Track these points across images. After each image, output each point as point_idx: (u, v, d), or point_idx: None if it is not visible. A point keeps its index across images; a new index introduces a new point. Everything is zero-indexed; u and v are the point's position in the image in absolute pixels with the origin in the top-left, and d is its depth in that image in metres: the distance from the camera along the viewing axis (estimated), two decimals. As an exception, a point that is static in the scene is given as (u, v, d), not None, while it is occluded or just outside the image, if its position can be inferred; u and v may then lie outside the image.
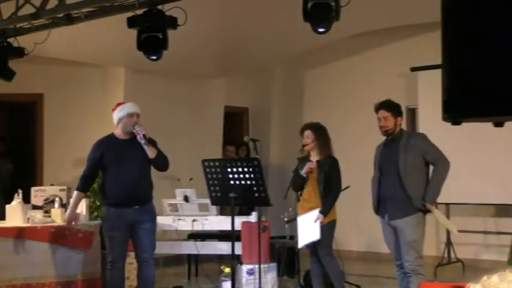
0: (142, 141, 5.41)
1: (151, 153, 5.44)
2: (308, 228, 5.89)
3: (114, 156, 5.47)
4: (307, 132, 6.02)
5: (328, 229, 5.90)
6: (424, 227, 5.30)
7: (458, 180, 8.04)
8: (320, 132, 6.04)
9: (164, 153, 5.58)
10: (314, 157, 6.04)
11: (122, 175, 5.42)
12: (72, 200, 5.64)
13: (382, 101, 5.48)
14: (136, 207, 5.44)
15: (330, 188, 5.91)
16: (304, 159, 6.11)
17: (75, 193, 5.60)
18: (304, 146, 6.02)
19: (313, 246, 5.97)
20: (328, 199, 5.89)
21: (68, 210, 5.66)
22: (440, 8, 2.38)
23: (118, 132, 5.59)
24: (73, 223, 5.72)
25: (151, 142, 5.51)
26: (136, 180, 5.42)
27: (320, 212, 5.84)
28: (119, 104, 5.69)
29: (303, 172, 5.95)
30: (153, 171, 5.73)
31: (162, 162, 5.54)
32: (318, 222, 5.80)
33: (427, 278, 5.71)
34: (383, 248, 5.72)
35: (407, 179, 5.22)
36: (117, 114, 5.56)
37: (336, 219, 5.99)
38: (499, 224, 8.35)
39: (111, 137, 5.61)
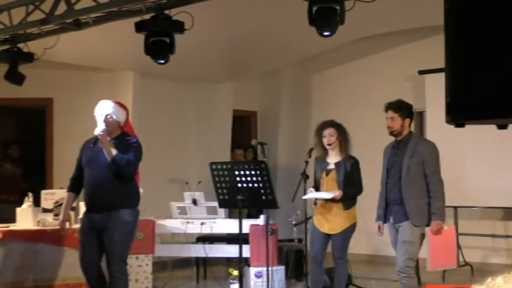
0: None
1: (107, 155, 5.09)
2: (320, 193, 5.83)
3: (86, 158, 5.26)
4: (331, 130, 5.84)
5: (349, 232, 5.81)
6: (417, 233, 5.24)
7: (467, 183, 8.05)
8: (343, 129, 5.90)
9: (126, 157, 5.11)
10: (333, 157, 5.89)
11: (91, 179, 5.18)
12: (64, 202, 5.48)
13: (393, 100, 5.42)
14: (105, 213, 5.11)
15: (351, 187, 5.81)
16: (320, 159, 5.95)
17: (66, 194, 5.47)
18: (329, 145, 5.84)
19: (321, 253, 5.88)
20: (350, 189, 5.78)
21: (61, 212, 5.46)
22: (443, 11, 2.40)
23: None
24: (67, 224, 5.48)
25: (124, 143, 5.20)
26: (102, 184, 5.11)
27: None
28: None
29: (330, 197, 5.75)
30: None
31: (116, 166, 5.05)
32: (333, 194, 5.71)
33: (436, 281, 5.72)
34: (391, 251, 5.72)
35: (406, 185, 5.20)
36: None
37: (356, 224, 5.86)
38: (508, 228, 8.32)
39: (94, 139, 5.34)
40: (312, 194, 5.89)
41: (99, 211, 5.14)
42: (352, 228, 5.83)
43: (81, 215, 6.31)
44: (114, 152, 5.06)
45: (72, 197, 5.44)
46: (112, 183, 5.11)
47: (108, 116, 5.20)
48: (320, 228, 5.88)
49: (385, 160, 5.46)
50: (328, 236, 5.83)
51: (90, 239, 5.18)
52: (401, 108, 5.34)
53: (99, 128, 5.10)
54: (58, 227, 6.14)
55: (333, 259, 5.90)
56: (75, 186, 5.40)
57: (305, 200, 6.65)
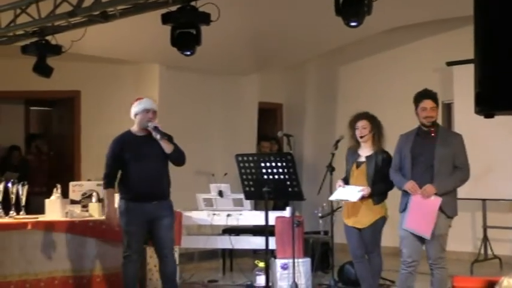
0: (158, 137, 5.42)
1: (167, 148, 5.45)
2: (348, 192, 5.67)
3: (133, 152, 5.47)
4: (364, 123, 5.71)
5: (378, 226, 5.69)
6: (447, 223, 5.25)
7: (495, 176, 7.95)
8: (377, 122, 5.77)
9: (180, 148, 5.59)
10: (365, 149, 5.74)
11: (141, 171, 5.42)
12: (106, 199, 5.64)
13: (426, 90, 5.36)
14: (155, 202, 5.45)
15: (381, 181, 5.65)
16: (352, 150, 5.81)
17: (106, 191, 5.62)
18: (361, 137, 5.70)
19: (358, 249, 5.76)
20: (380, 184, 5.62)
21: (107, 209, 5.62)
22: (473, 1, 2.37)
23: (134, 128, 5.60)
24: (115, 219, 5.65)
25: (167, 137, 5.52)
26: (155, 175, 5.45)
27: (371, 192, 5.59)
28: (138, 99, 5.67)
29: (357, 199, 5.59)
30: (179, 168, 5.74)
31: (178, 157, 5.53)
32: (360, 194, 5.56)
33: (464, 274, 5.68)
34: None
35: (439, 173, 5.15)
36: (133, 109, 5.58)
37: (386, 217, 5.73)
38: (537, 220, 8.23)
39: (128, 133, 5.62)
40: (339, 194, 5.74)
41: (152, 201, 5.46)
42: (381, 221, 5.70)
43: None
44: (170, 145, 5.48)
45: (113, 192, 5.67)
46: (163, 174, 5.55)
47: (153, 111, 5.57)
48: (347, 223, 5.78)
49: (406, 148, 5.33)
50: (360, 230, 5.72)
51: (141, 229, 5.49)
52: (437, 98, 5.33)
53: (155, 123, 5.50)
54: (86, 218, 6.26)
55: (366, 253, 5.81)
56: (112, 183, 5.64)
57: (330, 192, 6.62)
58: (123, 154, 5.49)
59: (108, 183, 5.59)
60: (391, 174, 5.46)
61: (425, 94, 5.31)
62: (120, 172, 5.57)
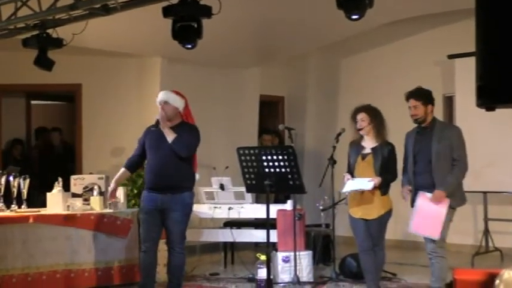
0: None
1: (168, 137, 5.51)
2: (358, 183, 5.65)
3: (151, 142, 5.63)
4: (362, 115, 5.70)
5: (385, 219, 5.65)
6: (450, 215, 5.35)
7: (496, 169, 7.96)
8: (376, 114, 5.75)
9: (188, 139, 5.55)
10: (368, 142, 5.72)
11: (155, 161, 5.56)
12: (117, 175, 5.78)
13: (413, 89, 5.54)
14: (167, 194, 5.50)
15: (387, 172, 5.64)
16: (355, 144, 5.79)
17: (121, 170, 5.78)
18: (359, 130, 5.68)
19: (366, 240, 5.69)
20: (386, 175, 5.60)
21: (111, 183, 5.77)
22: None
23: None
24: (114, 197, 5.84)
25: (183, 128, 5.58)
26: (167, 167, 5.51)
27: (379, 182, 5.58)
28: None
29: (371, 188, 5.56)
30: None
31: (177, 147, 5.48)
32: (372, 183, 5.53)
33: (465, 266, 5.70)
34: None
35: (437, 170, 5.30)
36: None
37: (392, 210, 5.68)
38: (539, 213, 8.22)
39: (156, 124, 5.75)
40: (351, 186, 5.69)
41: (163, 192, 5.51)
42: (388, 214, 5.67)
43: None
44: (173, 134, 5.50)
45: (125, 173, 5.81)
46: (175, 166, 5.52)
47: (163, 102, 5.61)
48: (354, 215, 5.73)
49: (409, 146, 5.54)
50: (366, 221, 5.68)
51: (153, 218, 5.57)
52: (422, 95, 5.45)
53: (157, 116, 5.57)
54: (87, 212, 6.27)
55: (377, 245, 5.77)
56: (128, 164, 5.79)
57: (332, 184, 6.64)
58: (144, 142, 5.70)
59: (126, 163, 5.80)
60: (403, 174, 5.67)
61: (408, 94, 5.53)
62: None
